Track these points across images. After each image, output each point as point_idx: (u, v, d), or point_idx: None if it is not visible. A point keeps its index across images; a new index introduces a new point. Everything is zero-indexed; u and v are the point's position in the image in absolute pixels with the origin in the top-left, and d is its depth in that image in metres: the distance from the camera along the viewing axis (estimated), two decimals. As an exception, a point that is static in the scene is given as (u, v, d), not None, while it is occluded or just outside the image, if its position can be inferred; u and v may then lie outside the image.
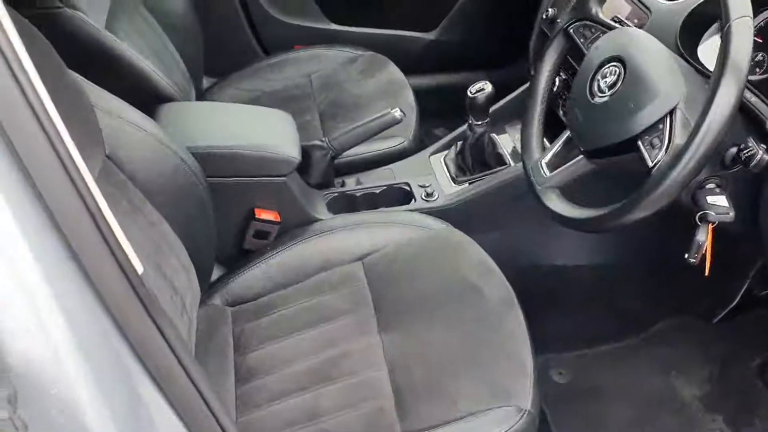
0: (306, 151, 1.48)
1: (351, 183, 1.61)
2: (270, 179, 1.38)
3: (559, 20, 1.51)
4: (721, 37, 0.86)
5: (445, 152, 1.65)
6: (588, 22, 1.13)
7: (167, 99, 1.44)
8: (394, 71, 1.94)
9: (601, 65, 1.03)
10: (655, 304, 1.67)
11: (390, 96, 1.84)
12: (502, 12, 2.26)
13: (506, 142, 1.64)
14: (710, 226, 1.00)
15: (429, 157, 1.66)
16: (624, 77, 0.98)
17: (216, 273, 1.38)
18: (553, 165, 1.11)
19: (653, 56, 0.99)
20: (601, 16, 1.13)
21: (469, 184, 1.55)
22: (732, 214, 0.99)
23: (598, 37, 1.10)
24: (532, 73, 1.58)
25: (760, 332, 1.59)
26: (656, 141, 0.92)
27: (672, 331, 1.65)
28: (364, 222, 1.43)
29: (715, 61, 1.17)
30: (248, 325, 1.29)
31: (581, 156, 1.07)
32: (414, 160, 1.66)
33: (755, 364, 1.56)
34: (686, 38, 1.19)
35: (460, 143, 1.60)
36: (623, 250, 1.62)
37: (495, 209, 1.53)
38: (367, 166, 1.66)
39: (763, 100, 1.08)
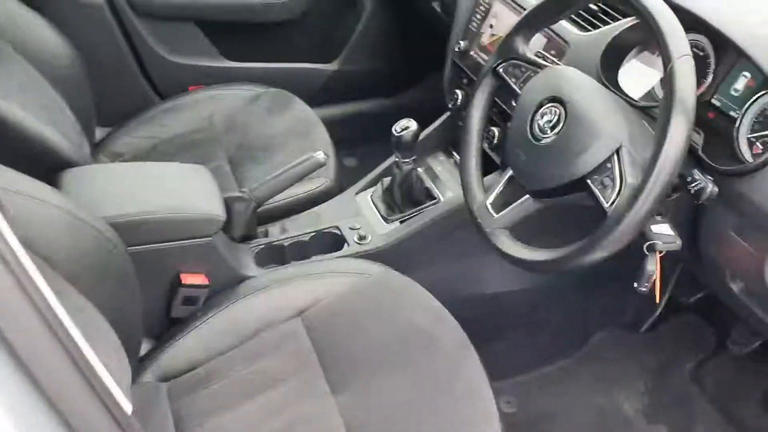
0: (226, 205, 1.39)
1: (275, 231, 1.54)
2: (195, 241, 1.29)
3: (471, 52, 1.53)
4: (664, 76, 0.88)
5: (372, 190, 1.61)
6: (516, 62, 1.13)
7: (66, 163, 1.31)
8: (301, 107, 1.89)
9: (540, 106, 1.03)
10: (583, 321, 1.71)
11: (303, 134, 1.78)
12: (401, 39, 2.26)
13: (433, 175, 1.62)
14: (658, 255, 1.01)
15: (355, 196, 1.62)
16: (565, 118, 0.98)
17: (144, 347, 1.27)
18: (498, 205, 1.10)
19: (592, 96, 1.00)
20: (528, 54, 1.13)
21: (401, 222, 1.52)
22: (679, 242, 1.01)
23: (529, 76, 1.10)
24: (450, 105, 1.59)
25: (687, 337, 1.66)
26: (607, 181, 0.93)
27: (604, 346, 1.69)
28: (297, 274, 1.36)
29: (634, 87, 1.22)
30: (186, 399, 1.19)
31: (527, 196, 1.06)
32: (340, 201, 1.61)
33: (688, 370, 1.62)
34: (605, 67, 1.22)
35: (387, 180, 1.57)
36: None
37: (429, 245, 1.50)
38: (291, 212, 1.59)
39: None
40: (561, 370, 1.64)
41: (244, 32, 2.09)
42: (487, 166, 1.54)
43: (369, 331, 1.24)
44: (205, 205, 1.29)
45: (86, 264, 1.02)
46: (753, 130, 1.07)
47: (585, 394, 1.59)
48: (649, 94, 1.22)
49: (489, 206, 1.11)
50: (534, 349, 1.65)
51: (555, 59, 1.27)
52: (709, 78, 1.14)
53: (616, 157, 0.93)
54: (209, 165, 1.69)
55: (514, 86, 1.12)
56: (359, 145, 2.34)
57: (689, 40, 1.16)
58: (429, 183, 1.57)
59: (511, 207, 1.07)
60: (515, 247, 1.04)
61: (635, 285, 1.04)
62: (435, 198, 1.55)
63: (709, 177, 0.95)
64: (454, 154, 1.68)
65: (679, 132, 0.85)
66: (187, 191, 1.32)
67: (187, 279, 1.31)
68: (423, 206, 1.53)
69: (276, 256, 1.48)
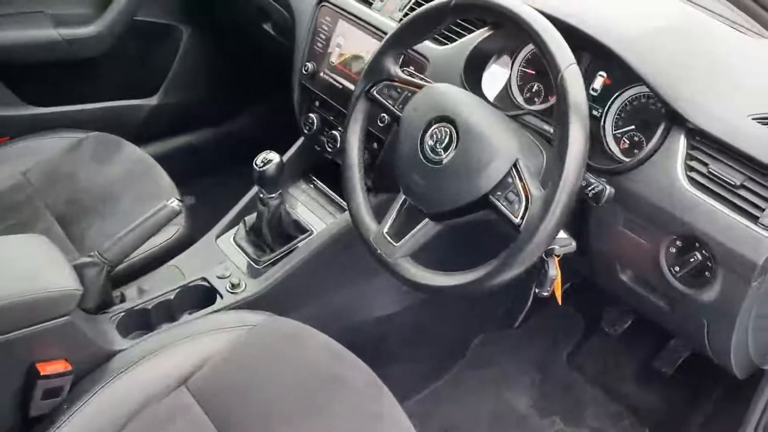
0: (76, 272, 1.21)
1: (133, 294, 1.37)
2: (49, 324, 1.10)
3: (320, 73, 1.48)
4: (555, 86, 0.89)
5: (233, 232, 1.49)
6: (390, 83, 1.10)
7: None
8: (131, 149, 1.71)
9: (428, 126, 1.00)
10: (462, 328, 1.73)
11: (141, 179, 1.61)
12: (225, 65, 2.15)
13: (297, 206, 1.54)
14: (557, 259, 1.03)
15: (216, 241, 1.49)
16: (458, 137, 0.96)
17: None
18: (397, 233, 1.05)
19: (479, 111, 0.99)
20: (400, 74, 1.10)
21: (275, 262, 1.42)
22: (574, 244, 1.04)
23: (407, 97, 1.07)
24: (306, 130, 1.52)
25: (559, 326, 1.73)
26: (511, 195, 0.92)
27: (485, 348, 1.72)
28: (171, 339, 1.21)
29: (496, 92, 1.25)
30: None
31: (427, 219, 1.02)
32: (200, 249, 1.47)
33: (565, 357, 1.69)
34: (468, 77, 1.22)
35: (249, 219, 1.46)
36: None
37: (309, 281, 1.42)
38: (146, 269, 1.42)
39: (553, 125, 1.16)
40: (450, 381, 1.64)
41: (50, 73, 1.86)
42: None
43: (269, 386, 1.13)
44: (56, 280, 1.11)
45: None
46: (617, 127, 1.13)
47: (480, 399, 1.60)
48: (512, 102, 1.25)
49: (387, 235, 1.06)
50: (423, 366, 1.64)
51: (419, 74, 1.25)
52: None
53: (515, 170, 0.93)
54: (35, 228, 1.49)
55: (393, 108, 1.08)
56: (194, 181, 2.19)
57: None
58: (297, 215, 1.49)
59: (412, 233, 1.03)
60: (426, 275, 1.00)
61: (536, 290, 1.05)
62: (307, 230, 1.47)
63: (602, 179, 0.98)
64: (315, 179, 1.61)
65: (579, 137, 0.86)
66: (28, 267, 1.12)
67: (46, 369, 1.11)
68: (296, 241, 1.45)
69: (141, 322, 1.32)
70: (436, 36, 1.27)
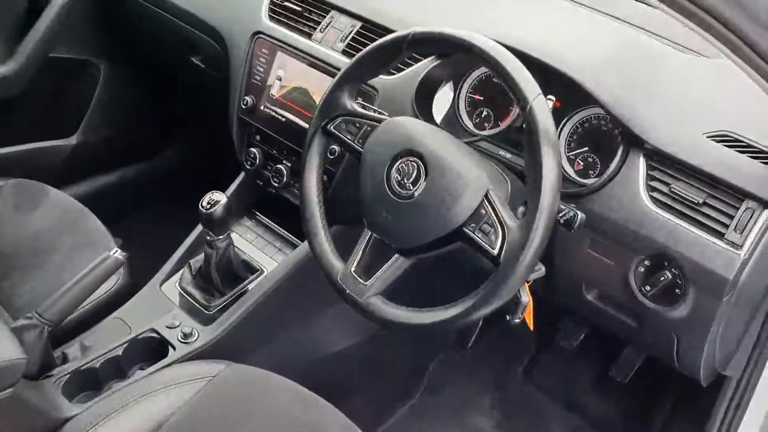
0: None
1: (75, 351, 1.28)
2: (-7, 399, 1.00)
3: (260, 107, 1.43)
4: (524, 117, 0.89)
5: (177, 277, 1.42)
6: (348, 117, 1.07)
7: None
8: (56, 195, 1.61)
9: (394, 161, 0.98)
10: (418, 351, 1.71)
11: (71, 228, 1.51)
12: (146, 100, 2.06)
13: (244, 244, 1.48)
14: (528, 285, 1.03)
15: (160, 288, 1.41)
16: (426, 170, 0.95)
17: None
18: (365, 271, 1.02)
19: (445, 143, 0.98)
20: (357, 108, 1.07)
21: (226, 306, 1.35)
22: (543, 269, 1.04)
23: (368, 131, 1.04)
24: (248, 165, 1.47)
25: (512, 342, 1.74)
26: (486, 227, 0.91)
27: (441, 373, 1.71)
28: (126, 399, 1.13)
29: (446, 121, 1.24)
30: None
31: (397, 255, 1.00)
32: (145, 298, 1.39)
33: (520, 373, 1.70)
34: (419, 106, 1.21)
35: (195, 262, 1.40)
36: None
37: (264, 323, 1.37)
38: (86, 324, 1.33)
39: (510, 150, 1.16)
40: (413, 410, 1.62)
41: (-43, 118, 1.73)
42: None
43: (239, 441, 1.08)
44: (-2, 351, 1.01)
45: None
46: (570, 149, 1.15)
47: (443, 424, 1.59)
48: (462, 128, 1.25)
49: (354, 274, 1.02)
50: (384, 396, 1.61)
51: (371, 106, 1.23)
52: (516, 106, 1.20)
53: (487, 201, 0.92)
54: (-46, 289, 1.37)
55: (353, 143, 1.05)
56: (120, 221, 2.09)
57: (490, 73, 1.22)
58: (246, 255, 1.43)
59: (382, 270, 1.00)
60: (402, 313, 0.97)
61: (508, 317, 1.04)
62: (257, 270, 1.41)
63: (571, 204, 0.99)
64: (259, 215, 1.56)
65: (553, 164, 0.86)
66: (-35, 339, 1.02)
67: (-10, 449, 1.01)
68: (246, 282, 1.39)
69: (88, 382, 1.23)
70: (384, 66, 1.25)
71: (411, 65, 1.24)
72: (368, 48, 1.05)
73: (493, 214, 0.91)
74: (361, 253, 1.04)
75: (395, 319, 0.98)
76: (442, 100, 1.26)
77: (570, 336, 1.65)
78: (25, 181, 1.61)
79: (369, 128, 1.05)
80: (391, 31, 1.25)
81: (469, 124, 1.26)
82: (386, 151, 0.99)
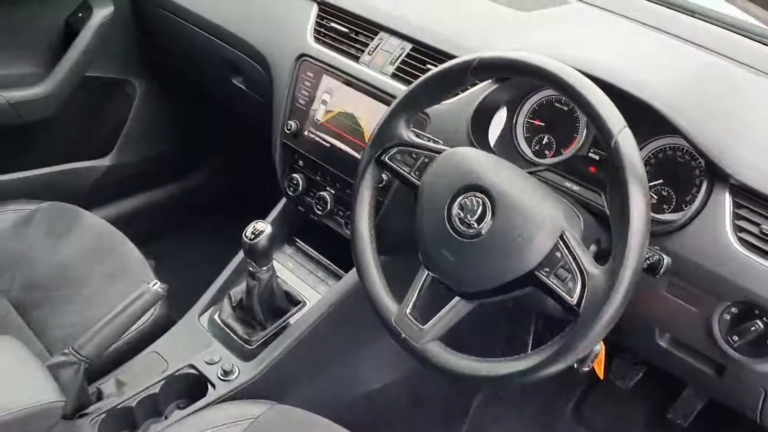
0: (49, 375, 1.06)
1: (110, 388, 1.22)
2: (28, 444, 0.95)
3: (305, 132, 1.37)
4: (608, 153, 0.81)
5: (217, 308, 1.36)
6: (403, 148, 1.00)
7: None
8: (90, 219, 1.56)
9: (456, 196, 0.91)
10: (461, 390, 1.63)
11: (107, 256, 1.46)
12: (181, 121, 2.02)
13: (285, 274, 1.42)
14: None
15: (199, 320, 1.35)
16: (494, 208, 0.87)
17: None
18: (422, 313, 0.95)
19: (515, 178, 0.90)
20: (414, 138, 1.01)
21: (267, 342, 1.29)
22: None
23: (425, 162, 0.97)
24: (290, 191, 1.42)
25: (559, 378, 1.65)
26: (562, 272, 0.83)
27: (486, 406, 1.63)
28: (166, 442, 1.08)
29: (503, 149, 1.17)
30: None
31: (458, 298, 0.93)
32: (182, 331, 1.33)
33: (569, 411, 1.61)
34: (475, 134, 1.14)
35: (235, 293, 1.34)
36: None
37: (306, 359, 1.30)
38: (122, 358, 1.27)
39: (576, 182, 1.08)
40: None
41: (-8, 139, 1.69)
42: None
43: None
44: (36, 392, 0.96)
45: None
46: (642, 181, 1.07)
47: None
48: (520, 156, 1.17)
49: (410, 317, 0.95)
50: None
51: (426, 134, 1.16)
52: (582, 132, 1.13)
53: (562, 243, 0.84)
54: (-13, 319, 1.33)
55: (409, 175, 0.98)
56: (152, 242, 2.04)
57: (552, 96, 1.15)
58: (287, 285, 1.37)
59: (441, 314, 0.93)
60: (465, 362, 0.89)
61: (575, 366, 0.96)
62: (299, 302, 1.35)
63: (655, 247, 0.91)
64: (301, 243, 1.50)
65: (642, 205, 0.78)
66: (4, 379, 0.97)
67: (24, 497, 0.95)
68: (288, 315, 1.32)
69: (124, 421, 1.17)
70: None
71: (466, 89, 1.17)
72: (429, 74, 0.98)
73: (570, 258, 0.83)
74: (417, 293, 0.97)
75: (458, 370, 0.90)
76: (499, 126, 1.18)
77: (625, 374, 1.56)
78: (59, 205, 1.57)
79: (427, 159, 0.98)
80: (443, 53, 1.21)
81: (528, 152, 1.18)
82: (447, 186, 0.92)
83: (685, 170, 1.02)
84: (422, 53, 1.25)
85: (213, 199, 2.11)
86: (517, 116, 1.20)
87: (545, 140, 1.17)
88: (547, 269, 0.84)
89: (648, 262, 0.89)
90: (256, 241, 1.20)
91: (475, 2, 1.34)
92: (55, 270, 1.42)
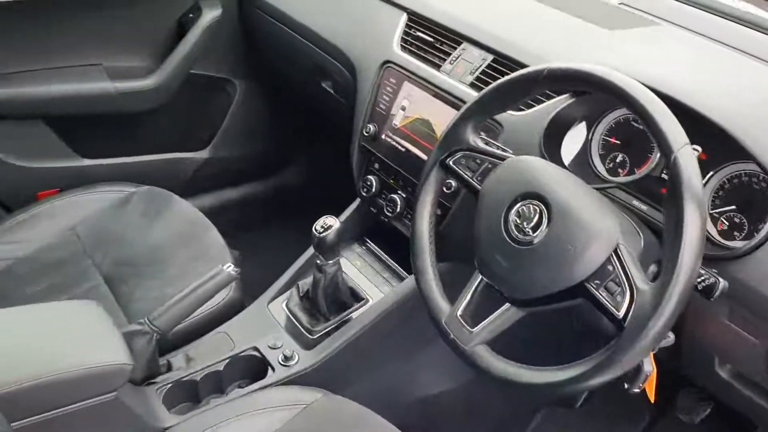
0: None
1: (180, 362, 1.29)
2: (96, 400, 1.03)
3: (382, 135, 1.41)
4: (668, 168, 0.80)
5: (286, 297, 1.41)
6: (469, 153, 1.02)
7: None
8: (182, 206, 1.66)
9: (513, 203, 0.92)
10: (519, 402, 1.62)
11: (191, 240, 1.55)
12: (276, 120, 2.12)
13: (353, 271, 1.46)
14: (652, 354, 0.93)
15: (268, 306, 1.41)
16: (550, 216, 0.88)
17: None
18: (472, 316, 0.97)
19: (574, 189, 0.91)
20: (480, 144, 1.03)
21: (329, 333, 1.33)
22: (672, 337, 0.94)
23: (488, 168, 0.99)
24: (363, 192, 1.46)
25: (624, 407, 1.61)
26: (612, 286, 0.83)
27: (545, 428, 1.60)
28: (222, 417, 1.14)
29: (576, 165, 1.16)
30: None
31: (508, 305, 0.94)
32: (251, 315, 1.39)
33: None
34: (547, 147, 1.15)
35: (303, 284, 1.39)
36: None
37: (364, 354, 1.33)
38: (193, 335, 1.35)
39: (645, 201, 1.07)
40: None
41: (101, 125, 1.83)
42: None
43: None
44: (107, 353, 1.04)
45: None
46: (714, 206, 1.04)
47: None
48: (593, 173, 1.17)
49: (461, 319, 0.97)
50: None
51: (494, 143, 1.18)
52: (656, 153, 1.11)
53: (615, 257, 0.84)
54: (81, 287, 1.44)
55: (472, 180, 1.01)
56: (240, 234, 2.14)
57: (630, 114, 1.14)
58: (353, 282, 1.41)
59: (491, 319, 0.94)
60: (510, 368, 0.90)
61: (626, 385, 0.94)
62: (362, 299, 1.38)
63: (713, 270, 0.89)
64: (371, 243, 1.54)
65: (696, 223, 0.77)
66: (80, 338, 1.06)
67: (88, 449, 1.04)
68: (350, 310, 1.36)
69: (188, 393, 1.25)
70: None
71: (542, 101, 1.18)
72: (498, 82, 1.00)
73: (621, 272, 0.83)
74: (469, 297, 0.98)
75: (500, 374, 0.91)
76: (573, 141, 1.18)
77: (691, 410, 1.49)
78: (155, 190, 1.68)
79: (490, 165, 0.99)
80: (522, 66, 1.21)
81: (602, 169, 1.17)
82: (506, 192, 0.93)
83: (761, 198, 0.98)
84: (502, 64, 1.27)
85: (297, 197, 2.20)
86: (594, 132, 1.19)
87: (619, 158, 1.16)
88: (597, 281, 0.84)
89: (703, 283, 0.86)
90: (324, 235, 1.25)
91: (562, 18, 1.34)
92: (145, 249, 1.52)
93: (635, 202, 1.07)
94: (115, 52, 1.78)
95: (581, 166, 1.17)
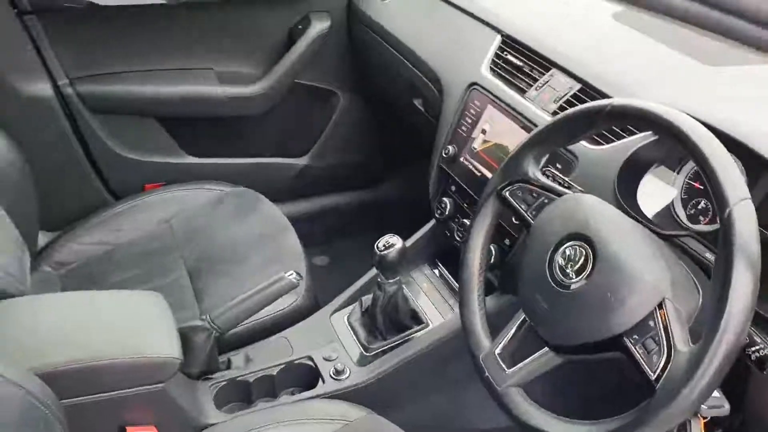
0: (184, 335, 1.19)
1: (239, 361, 1.33)
2: (144, 389, 1.08)
3: (460, 158, 1.39)
4: (720, 222, 0.73)
5: (349, 311, 1.42)
6: (526, 185, 0.98)
7: (-4, 295, 1.11)
8: (269, 209, 1.71)
9: (561, 243, 0.87)
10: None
11: (271, 243, 1.60)
12: (376, 132, 2.14)
13: (418, 293, 1.44)
14: (702, 421, 0.85)
15: (330, 317, 1.43)
16: (594, 260, 0.83)
17: None
18: (510, 356, 0.93)
19: (625, 233, 0.85)
20: (539, 177, 0.98)
21: (384, 352, 1.32)
22: (727, 407, 0.85)
23: (543, 203, 0.95)
24: (437, 214, 1.44)
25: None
26: (650, 343, 0.76)
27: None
28: (266, 422, 1.15)
29: (650, 207, 1.08)
30: None
31: (546, 349, 0.89)
32: (313, 323, 1.41)
33: None
34: (621, 187, 1.07)
35: (366, 299, 1.39)
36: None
37: (415, 380, 1.31)
38: (256, 336, 1.39)
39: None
40: None
41: (209, 126, 1.94)
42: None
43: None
44: (159, 346, 1.09)
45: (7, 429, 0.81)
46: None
47: None
48: (672, 219, 1.08)
49: (499, 357, 0.93)
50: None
51: (561, 176, 1.12)
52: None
53: (658, 313, 0.77)
54: (166, 278, 1.52)
55: (526, 214, 0.96)
56: (331, 241, 2.19)
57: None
58: (415, 304, 1.39)
59: (527, 362, 0.90)
60: (539, 415, 0.85)
61: None
62: (422, 322, 1.36)
63: (770, 338, 0.79)
64: (441, 266, 1.51)
65: (745, 289, 0.69)
66: (137, 327, 1.11)
67: (134, 433, 1.09)
68: (409, 332, 1.35)
69: (240, 393, 1.28)
70: (591, 134, 1.13)
71: (624, 136, 1.11)
72: (562, 114, 0.96)
73: (662, 330, 0.76)
74: (510, 335, 0.94)
75: (528, 419, 0.86)
76: (652, 182, 1.10)
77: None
78: (248, 191, 1.75)
79: (546, 200, 0.95)
80: (606, 97, 1.16)
81: (682, 215, 1.08)
82: (555, 230, 0.88)
83: None
84: (588, 95, 1.21)
85: (386, 211, 2.20)
86: (677, 174, 1.10)
87: (702, 205, 1.06)
88: (636, 336, 0.77)
89: (757, 354, 0.77)
90: (385, 253, 1.25)
91: (662, 51, 1.26)
92: (226, 247, 1.58)
93: (708, 255, 0.97)
94: (227, 58, 1.88)
95: (659, 210, 1.09)
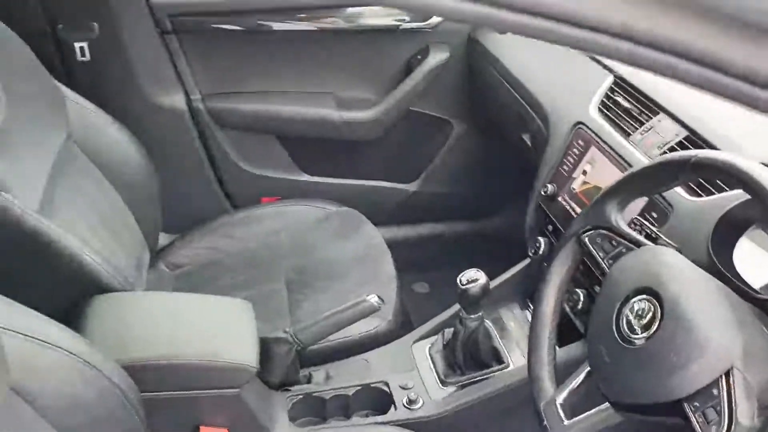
0: (266, 345, 1.25)
1: (319, 377, 1.37)
2: (220, 392, 1.14)
3: (558, 197, 1.36)
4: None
5: (431, 341, 1.42)
6: (606, 232, 0.94)
7: (102, 287, 1.21)
8: (371, 231, 1.75)
9: (630, 296, 0.83)
10: None
11: (367, 264, 1.63)
12: (485, 164, 2.13)
13: (502, 331, 1.42)
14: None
15: (412, 345, 1.43)
16: (661, 318, 0.78)
17: None
18: (570, 407, 0.89)
19: (698, 292, 0.79)
20: (622, 225, 0.94)
21: (460, 387, 1.31)
22: None
23: (620, 253, 0.91)
24: (531, 252, 1.41)
25: None
26: (711, 413, 0.71)
27: None
28: (337, 440, 1.18)
29: (753, 273, 1.00)
30: None
31: (607, 404, 0.85)
32: (394, 349, 1.43)
33: None
34: (717, 243, 1.00)
35: (448, 332, 1.38)
36: None
37: (488, 420, 1.29)
38: (339, 354, 1.42)
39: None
40: None
41: (324, 147, 2.01)
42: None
43: None
44: (238, 352, 1.15)
45: (89, 419, 0.89)
46: None
47: None
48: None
49: (559, 407, 0.90)
50: None
51: (654, 226, 1.07)
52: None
53: (724, 381, 0.72)
54: (265, 286, 1.59)
55: (602, 262, 0.93)
56: (432, 270, 2.18)
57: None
58: (497, 342, 1.37)
59: (586, 415, 0.86)
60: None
61: None
62: (503, 362, 1.34)
63: None
64: (531, 307, 1.47)
65: None
66: (220, 333, 1.18)
67: (208, 433, 1.15)
68: (488, 370, 1.32)
69: (315, 409, 1.31)
70: (690, 184, 1.07)
71: (725, 190, 1.04)
72: (649, 162, 0.92)
73: (725, 400, 0.71)
74: (575, 385, 0.91)
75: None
76: (751, 240, 1.02)
77: None
78: (353, 212, 1.80)
79: (624, 250, 0.91)
80: (712, 147, 1.09)
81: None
82: (627, 283, 0.85)
83: None
84: (694, 144, 1.15)
85: (489, 245, 2.17)
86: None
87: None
88: (696, 404, 0.73)
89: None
90: (467, 287, 1.24)
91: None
92: (324, 263, 1.64)
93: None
94: (346, 84, 1.95)
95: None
